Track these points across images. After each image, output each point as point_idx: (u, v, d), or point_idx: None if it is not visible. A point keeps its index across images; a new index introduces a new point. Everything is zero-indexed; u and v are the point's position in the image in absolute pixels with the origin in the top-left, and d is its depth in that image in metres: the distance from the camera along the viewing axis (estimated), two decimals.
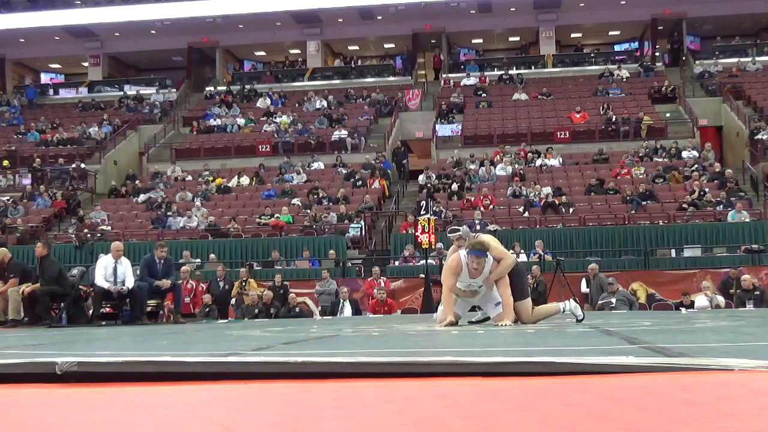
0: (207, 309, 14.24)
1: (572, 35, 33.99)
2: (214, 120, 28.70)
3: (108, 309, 11.46)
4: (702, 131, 25.50)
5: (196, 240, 19.39)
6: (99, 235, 19.66)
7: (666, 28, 32.81)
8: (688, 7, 30.73)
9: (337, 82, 32.10)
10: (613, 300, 14.03)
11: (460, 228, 7.65)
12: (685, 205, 19.02)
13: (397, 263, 17.75)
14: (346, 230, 19.57)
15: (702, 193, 19.54)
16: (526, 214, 19.70)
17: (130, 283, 11.37)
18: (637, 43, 33.88)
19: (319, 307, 15.14)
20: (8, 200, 22.89)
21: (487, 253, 6.87)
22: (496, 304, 7.04)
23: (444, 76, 31.71)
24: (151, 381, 2.43)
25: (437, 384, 2.24)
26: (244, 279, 15.19)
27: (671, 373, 2.27)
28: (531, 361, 2.47)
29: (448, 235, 7.64)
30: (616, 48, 34.34)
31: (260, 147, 26.19)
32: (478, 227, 18.20)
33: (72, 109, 31.62)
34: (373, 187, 22.48)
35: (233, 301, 14.92)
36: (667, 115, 26.25)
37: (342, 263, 17.82)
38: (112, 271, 11.28)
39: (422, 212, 17.45)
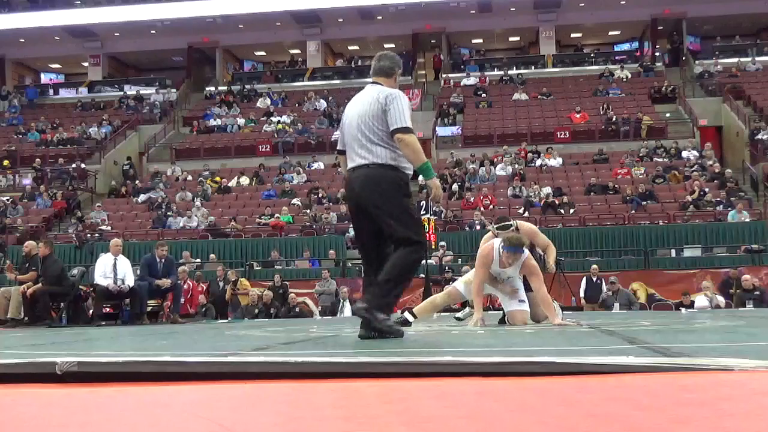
0: (204, 309, 14.25)
1: (572, 35, 33.98)
2: (214, 120, 28.71)
3: (108, 309, 11.48)
4: (702, 131, 25.50)
5: (196, 240, 19.41)
6: (99, 235, 19.66)
7: (666, 28, 32.80)
8: (688, 7, 30.72)
9: (337, 82, 32.09)
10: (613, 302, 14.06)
11: (512, 223, 7.29)
12: (685, 205, 19.03)
13: None
14: (346, 230, 19.55)
15: (702, 193, 19.54)
16: (526, 214, 19.69)
17: (130, 281, 11.38)
18: (637, 43, 33.88)
19: (319, 307, 15.14)
20: (8, 200, 22.90)
21: (524, 249, 6.71)
22: (520, 301, 6.94)
23: (444, 76, 31.71)
24: (151, 381, 2.43)
25: (437, 384, 2.24)
26: (234, 279, 15.17)
27: (671, 373, 2.27)
28: (531, 361, 2.46)
29: (497, 231, 7.06)
30: (616, 48, 34.34)
31: (260, 147, 26.20)
32: (478, 227, 18.21)
33: (72, 109, 31.62)
34: None
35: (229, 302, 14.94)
36: (667, 115, 26.26)
37: (342, 263, 17.83)
38: (112, 267, 11.30)
39: (422, 212, 17.44)
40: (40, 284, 11.28)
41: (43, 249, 11.85)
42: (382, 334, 4.46)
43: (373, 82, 4.80)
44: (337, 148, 5.03)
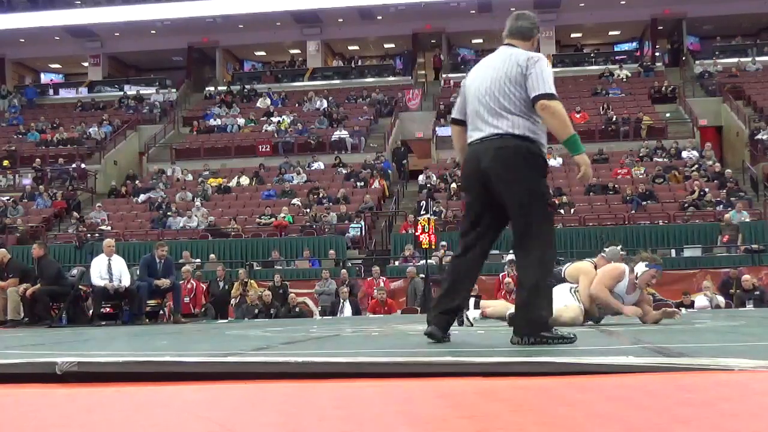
0: (204, 309, 14.26)
1: (572, 35, 33.98)
2: (214, 120, 28.71)
3: (108, 309, 11.47)
4: (702, 131, 25.50)
5: (196, 240, 19.40)
6: (99, 235, 19.67)
7: (666, 28, 32.80)
8: (688, 7, 30.72)
9: (337, 82, 32.10)
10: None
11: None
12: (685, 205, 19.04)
13: (397, 263, 17.74)
14: (346, 230, 19.57)
15: (702, 193, 19.54)
16: None
17: (126, 280, 11.37)
18: (637, 43, 33.88)
19: (319, 307, 15.14)
20: (8, 200, 22.90)
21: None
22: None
23: (444, 76, 31.69)
24: (151, 381, 2.43)
25: (437, 384, 2.24)
26: (245, 280, 15.15)
27: (671, 373, 2.27)
28: (531, 361, 2.47)
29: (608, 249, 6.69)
30: (616, 48, 34.33)
31: (260, 147, 26.19)
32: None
33: (72, 109, 31.61)
34: (373, 187, 22.48)
35: (234, 301, 14.90)
36: (667, 115, 26.26)
37: (342, 263, 17.82)
38: (107, 268, 11.30)
39: (422, 212, 17.44)
40: (38, 285, 11.28)
41: (37, 250, 11.84)
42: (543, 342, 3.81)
43: (507, 44, 4.08)
44: (453, 116, 4.24)
